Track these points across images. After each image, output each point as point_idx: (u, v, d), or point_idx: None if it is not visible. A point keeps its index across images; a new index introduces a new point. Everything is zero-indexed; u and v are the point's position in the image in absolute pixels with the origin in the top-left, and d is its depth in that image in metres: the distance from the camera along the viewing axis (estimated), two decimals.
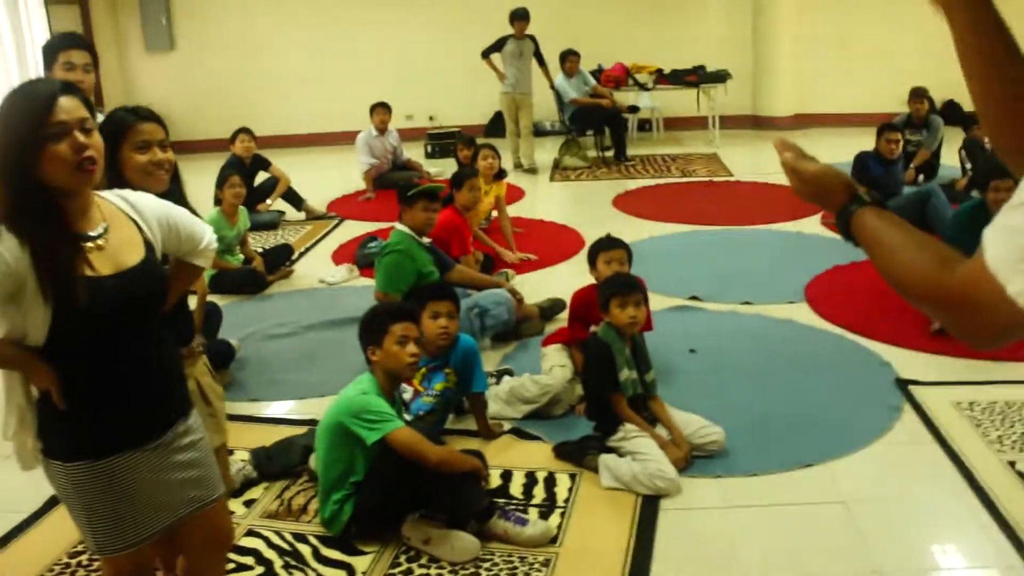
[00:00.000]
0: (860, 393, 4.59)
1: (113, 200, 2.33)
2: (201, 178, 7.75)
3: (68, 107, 2.11)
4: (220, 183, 7.00)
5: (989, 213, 5.52)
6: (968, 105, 10.99)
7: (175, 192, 2.77)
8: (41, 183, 2.10)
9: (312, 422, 4.21)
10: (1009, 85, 1.41)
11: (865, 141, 7.99)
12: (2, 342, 2.16)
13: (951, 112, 12.52)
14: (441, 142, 12.16)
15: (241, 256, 6.99)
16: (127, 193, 2.40)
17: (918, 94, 9.42)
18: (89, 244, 2.18)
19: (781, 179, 7.59)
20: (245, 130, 8.90)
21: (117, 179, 2.64)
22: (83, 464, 2.22)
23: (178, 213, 2.49)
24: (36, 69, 9.97)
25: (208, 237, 2.57)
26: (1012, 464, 3.85)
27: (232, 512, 3.58)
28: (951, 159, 9.29)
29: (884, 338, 5.22)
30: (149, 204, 2.41)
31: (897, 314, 5.37)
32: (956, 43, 1.45)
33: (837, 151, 10.12)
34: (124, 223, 2.30)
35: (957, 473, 3.83)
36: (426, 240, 5.30)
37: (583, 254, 4.98)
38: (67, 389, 2.18)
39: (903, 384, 4.65)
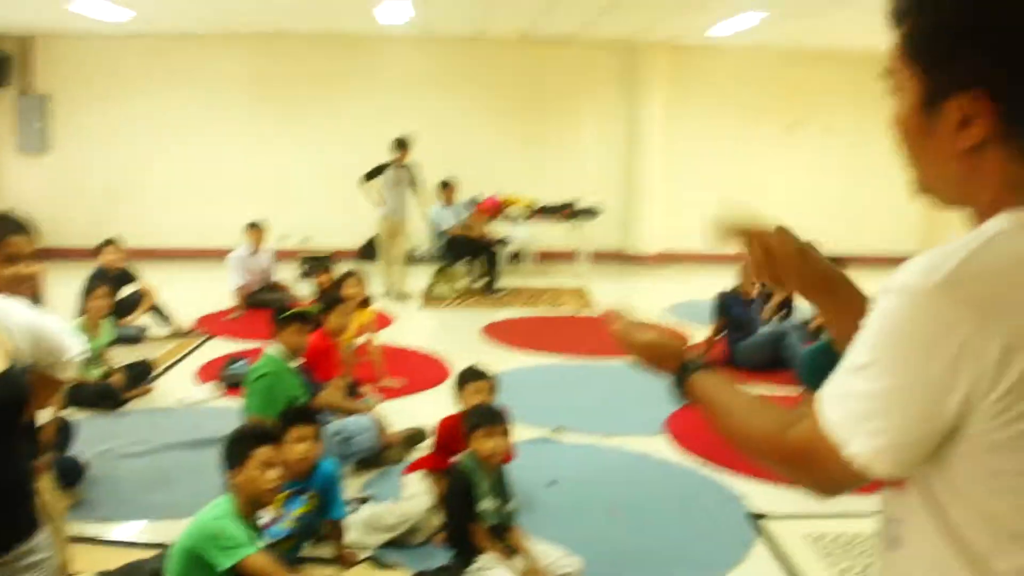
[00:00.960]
0: (714, 527, 4.71)
1: None
2: (67, 286, 7.62)
3: None
4: (85, 294, 6.86)
5: (836, 354, 5.79)
6: (827, 248, 11.53)
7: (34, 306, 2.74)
8: None
9: (162, 545, 4.09)
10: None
11: (727, 279, 8.32)
12: None
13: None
14: (314, 264, 12.14)
15: (101, 369, 6.83)
16: None
17: None
18: None
19: (648, 314, 7.77)
20: (112, 241, 8.81)
21: None
22: None
23: (46, 323, 2.46)
24: None
25: (76, 349, 2.54)
26: None
27: None
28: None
29: (740, 469, 5.37)
30: (15, 313, 2.38)
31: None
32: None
33: (700, 289, 10.53)
34: None
35: None
36: (295, 363, 5.29)
37: (449, 383, 5.03)
38: None
39: (755, 518, 4.79)
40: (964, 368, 1.04)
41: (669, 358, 1.60)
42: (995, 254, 1.07)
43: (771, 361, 7.64)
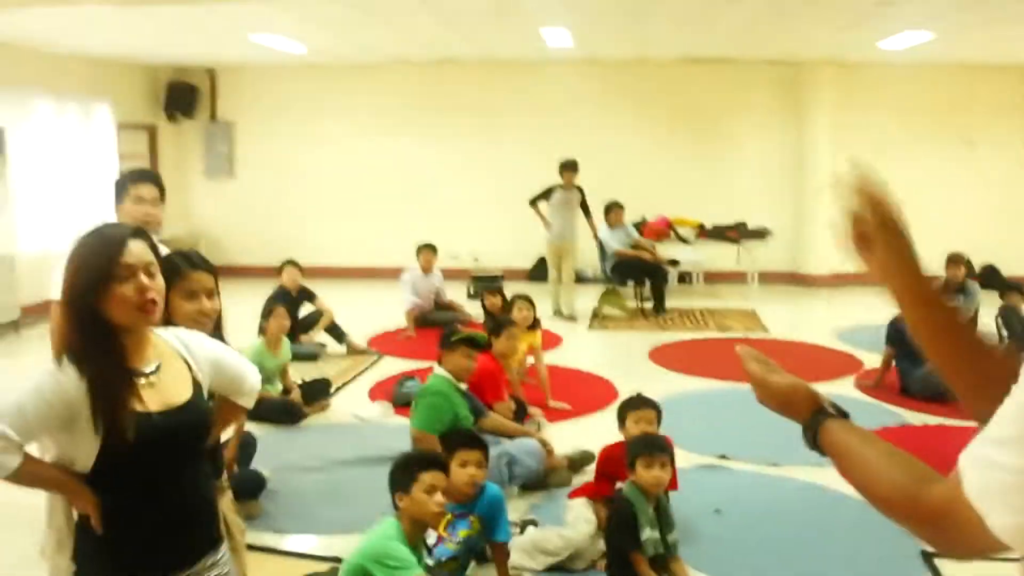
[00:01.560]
0: (883, 565, 4.57)
1: (167, 338, 2.46)
2: (248, 305, 7.98)
3: (136, 251, 2.27)
4: (265, 314, 7.18)
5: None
6: (1008, 270, 11.05)
7: (216, 338, 2.91)
8: (105, 320, 2.24)
9: (336, 559, 4.25)
10: (965, 354, 1.53)
11: None
12: (50, 466, 2.28)
13: (990, 277, 12.59)
14: (484, 283, 12.32)
15: (280, 386, 7.12)
16: (181, 332, 2.54)
17: (955, 260, 9.48)
18: (142, 380, 2.29)
19: (819, 338, 7.67)
20: (292, 262, 9.16)
21: (164, 321, 2.80)
22: None
23: (227, 354, 2.63)
24: (104, 191, 10.35)
25: (253, 379, 2.70)
26: None
27: None
28: (988, 325, 9.30)
29: None
30: (201, 344, 2.55)
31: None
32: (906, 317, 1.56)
33: (873, 312, 10.21)
34: (176, 361, 2.43)
35: None
36: (463, 386, 5.41)
37: (615, 406, 5.05)
38: (107, 517, 2.26)
39: (928, 556, 4.63)
40: None
41: (803, 404, 1.56)
42: None
43: (949, 391, 7.31)
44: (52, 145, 11.38)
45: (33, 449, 2.26)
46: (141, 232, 2.35)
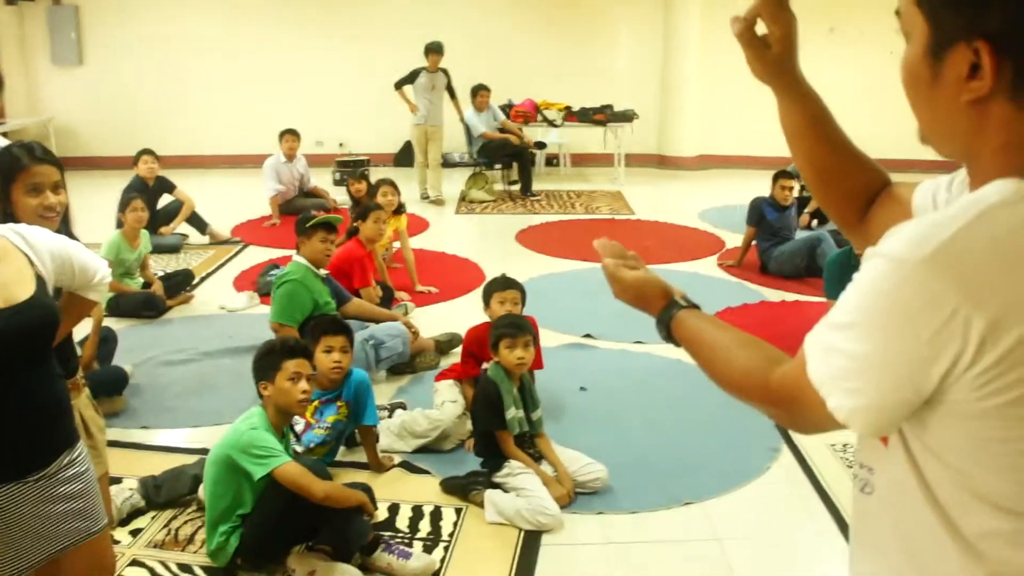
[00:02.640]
0: (741, 434, 4.75)
1: (6, 234, 2.36)
2: (105, 196, 7.72)
3: None
4: (122, 206, 6.95)
5: (858, 258, 5.79)
6: (871, 155, 11.49)
7: (64, 233, 2.81)
8: None
9: (204, 451, 4.19)
10: (830, 151, 1.58)
11: (765, 184, 8.26)
12: None
13: None
14: (349, 170, 12.11)
15: (141, 280, 6.95)
16: (20, 227, 2.43)
17: None
18: None
19: (683, 219, 7.84)
20: (148, 151, 8.85)
21: (5, 217, 2.68)
22: None
23: (72, 247, 2.54)
24: None
25: (102, 271, 2.63)
26: None
27: (117, 541, 3.60)
28: None
29: None
30: (42, 239, 2.45)
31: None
32: (779, 113, 1.60)
33: (736, 193, 10.49)
34: (16, 256, 2.34)
35: (828, 514, 4.01)
36: (323, 272, 5.37)
37: (483, 287, 5.09)
38: None
39: (782, 426, 4.85)
40: (947, 342, 1.03)
41: (656, 297, 1.59)
42: (986, 228, 1.05)
43: (806, 269, 7.59)
44: None
45: None
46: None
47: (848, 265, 5.78)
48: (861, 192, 1.59)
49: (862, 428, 1.14)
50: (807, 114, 1.58)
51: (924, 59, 1.14)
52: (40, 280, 2.35)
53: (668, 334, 1.56)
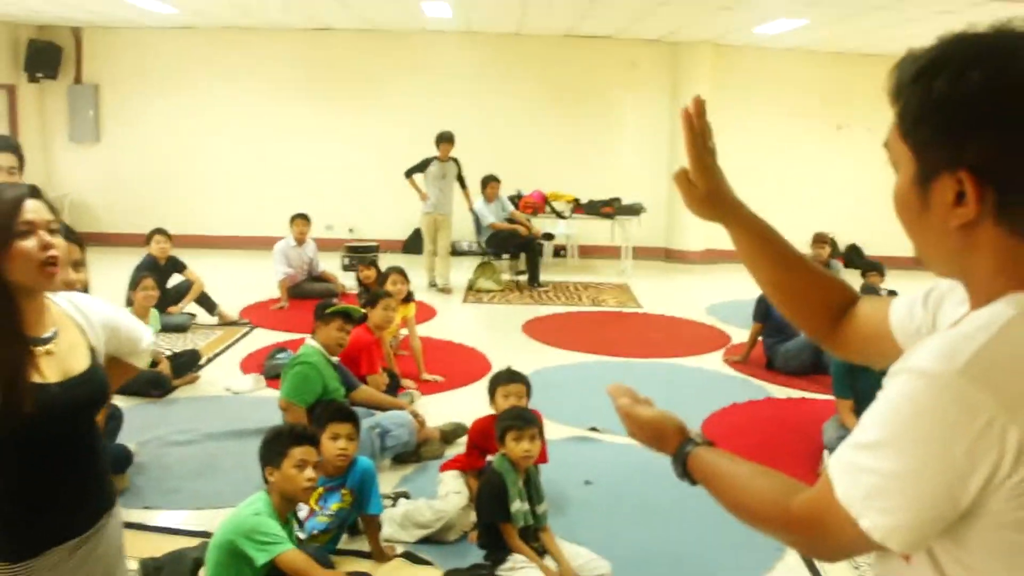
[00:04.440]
0: (747, 531, 4.68)
1: (61, 303, 2.39)
2: (117, 273, 7.78)
3: (35, 208, 2.20)
4: (133, 284, 7.02)
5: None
6: (870, 250, 11.48)
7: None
8: (3, 283, 2.15)
9: (206, 534, 4.19)
10: (784, 270, 1.67)
11: None
12: None
13: (853, 256, 13.09)
14: (359, 255, 12.21)
15: (149, 358, 6.95)
16: (74, 296, 2.47)
17: (820, 239, 9.84)
18: (40, 348, 2.22)
19: (689, 313, 7.85)
20: (161, 231, 8.96)
21: None
22: (2, 566, 2.25)
23: (121, 316, 2.59)
24: None
25: (148, 339, 2.68)
26: None
27: None
28: None
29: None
30: (95, 308, 2.49)
31: (790, 454, 5.57)
32: (732, 242, 1.71)
33: (742, 288, 10.48)
34: (72, 327, 2.36)
35: None
36: (335, 359, 5.40)
37: (488, 379, 5.10)
38: (5, 491, 2.21)
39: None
40: (984, 452, 1.04)
41: (671, 434, 1.61)
42: (1013, 339, 1.08)
43: (812, 365, 7.60)
44: None
45: None
46: (38, 191, 2.27)
47: (853, 366, 5.78)
48: (824, 306, 1.67)
49: (899, 546, 1.13)
50: (755, 239, 1.70)
51: (912, 188, 1.20)
52: (93, 352, 2.38)
53: (684, 471, 1.57)
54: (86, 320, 2.42)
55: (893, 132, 1.22)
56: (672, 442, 1.60)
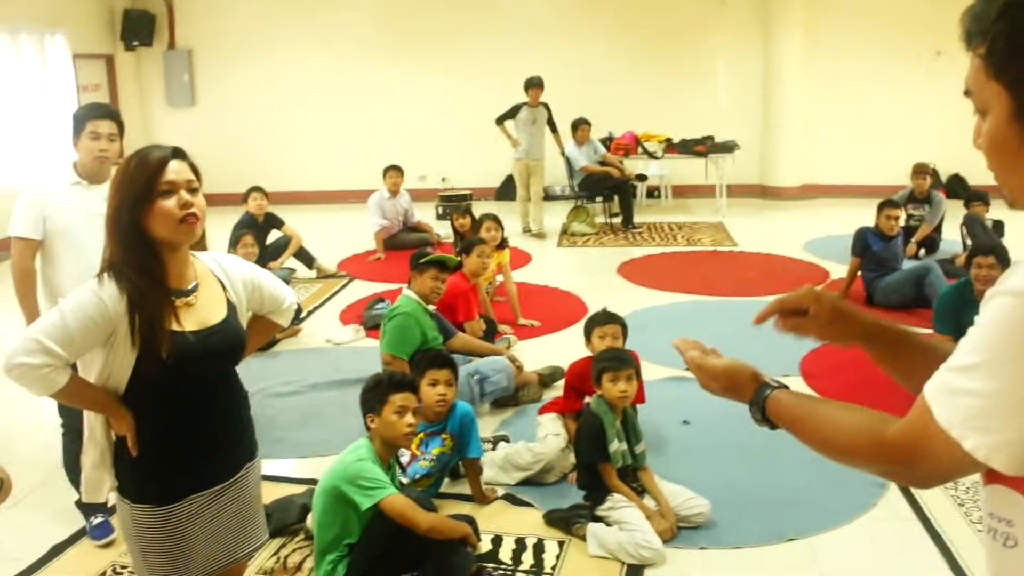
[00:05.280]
0: (846, 469, 4.65)
1: (205, 260, 2.57)
2: (216, 232, 7.93)
3: (177, 168, 2.38)
4: (233, 242, 7.17)
5: (973, 291, 5.66)
6: (974, 179, 11.13)
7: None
8: (147, 237, 2.33)
9: (312, 481, 4.30)
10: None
11: (870, 214, 8.13)
12: (93, 385, 2.37)
13: (956, 186, 12.69)
14: (453, 204, 12.21)
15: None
16: (218, 255, 2.64)
17: (921, 170, 9.58)
18: (180, 300, 2.40)
19: (786, 250, 7.73)
20: (258, 188, 9.12)
21: None
22: (146, 507, 2.43)
23: (263, 276, 2.74)
24: (63, 125, 10.16)
25: (290, 299, 2.83)
26: None
27: None
28: (953, 234, 9.41)
29: (877, 408, 5.32)
30: (236, 267, 2.65)
31: (888, 390, 5.47)
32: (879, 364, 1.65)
33: (841, 223, 10.32)
34: (212, 283, 2.54)
35: (936, 550, 3.92)
36: (431, 307, 5.45)
37: (584, 324, 5.11)
38: (143, 436, 2.39)
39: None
40: None
41: (746, 382, 1.59)
42: None
43: (913, 300, 7.44)
44: (7, 79, 11.13)
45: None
46: (181, 152, 2.43)
47: (963, 300, 5.65)
48: None
49: (1004, 465, 1.12)
50: (893, 351, 1.65)
51: (1010, 126, 1.17)
52: (231, 306, 2.54)
53: (763, 415, 1.55)
54: (227, 277, 2.57)
55: (978, 75, 1.19)
56: (748, 389, 1.58)
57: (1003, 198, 1.26)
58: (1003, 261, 5.71)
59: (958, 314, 5.58)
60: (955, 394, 1.14)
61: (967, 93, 1.22)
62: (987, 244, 6.49)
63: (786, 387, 1.55)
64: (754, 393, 1.56)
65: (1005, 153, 1.20)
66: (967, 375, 1.12)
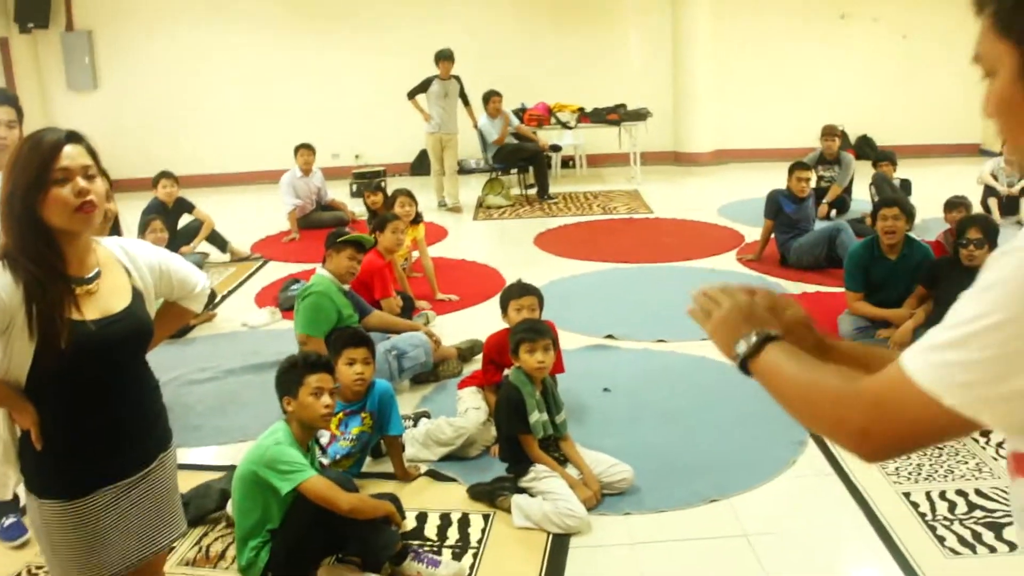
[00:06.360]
0: (766, 428, 4.72)
1: (110, 247, 2.47)
2: (124, 218, 7.76)
3: (72, 154, 2.27)
4: (142, 228, 7.01)
5: (881, 246, 5.77)
6: (881, 140, 11.40)
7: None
8: (43, 224, 2.23)
9: (231, 467, 4.22)
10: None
11: (781, 177, 8.25)
12: None
13: (864, 147, 12.94)
14: (366, 181, 12.09)
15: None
16: (124, 241, 2.55)
17: (830, 132, 9.72)
18: (80, 288, 2.30)
19: (700, 215, 7.81)
20: (167, 175, 8.91)
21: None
22: (55, 503, 2.35)
23: (171, 260, 2.64)
24: None
25: (202, 283, 2.74)
26: (907, 495, 4.03)
27: None
28: (863, 194, 9.58)
29: None
30: (141, 252, 2.55)
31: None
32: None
33: (753, 186, 10.45)
34: (117, 270, 2.44)
35: (856, 505, 4.00)
36: (345, 286, 5.39)
37: (500, 297, 5.10)
38: (47, 430, 2.30)
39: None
40: None
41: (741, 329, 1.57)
42: None
43: (826, 259, 7.57)
44: None
45: None
46: (77, 136, 2.34)
47: (871, 256, 5.76)
48: None
49: (993, 421, 1.11)
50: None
51: (1016, 83, 1.15)
52: (137, 293, 2.45)
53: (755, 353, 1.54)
54: (132, 263, 2.48)
55: (986, 36, 1.17)
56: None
57: (1010, 164, 1.26)
58: (906, 213, 5.82)
59: (867, 270, 5.69)
60: (929, 351, 1.13)
61: (976, 59, 1.20)
62: (891, 197, 6.61)
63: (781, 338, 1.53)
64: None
65: (1013, 113, 1.18)
66: (977, 339, 1.08)
